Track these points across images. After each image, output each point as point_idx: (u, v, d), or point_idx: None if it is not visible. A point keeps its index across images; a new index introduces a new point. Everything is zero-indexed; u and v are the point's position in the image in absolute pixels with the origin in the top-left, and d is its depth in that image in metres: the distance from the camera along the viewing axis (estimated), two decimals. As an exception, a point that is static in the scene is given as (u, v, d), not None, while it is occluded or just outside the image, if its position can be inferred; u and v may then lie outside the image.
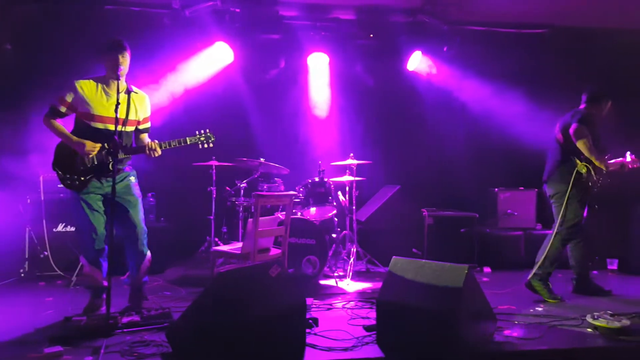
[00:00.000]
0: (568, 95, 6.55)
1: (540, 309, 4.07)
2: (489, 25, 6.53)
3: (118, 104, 3.37)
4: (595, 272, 5.72)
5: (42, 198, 5.15)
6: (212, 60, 6.36)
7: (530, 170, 5.43)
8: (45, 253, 5.08)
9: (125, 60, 3.62)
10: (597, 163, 4.35)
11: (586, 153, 4.31)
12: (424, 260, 3.30)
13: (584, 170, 4.37)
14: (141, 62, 5.51)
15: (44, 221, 5.12)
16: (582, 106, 4.66)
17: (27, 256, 5.10)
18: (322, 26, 6.36)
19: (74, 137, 3.59)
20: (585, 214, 4.55)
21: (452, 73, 6.76)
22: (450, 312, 2.87)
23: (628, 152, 4.61)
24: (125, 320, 3.37)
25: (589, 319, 3.47)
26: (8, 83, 5.62)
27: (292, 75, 6.80)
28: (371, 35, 6.42)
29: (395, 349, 3.07)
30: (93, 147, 3.57)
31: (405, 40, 6.45)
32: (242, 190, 5.63)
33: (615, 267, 5.78)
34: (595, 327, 3.41)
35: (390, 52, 6.65)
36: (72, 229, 5.18)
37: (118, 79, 3.54)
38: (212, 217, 5.78)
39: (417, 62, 6.64)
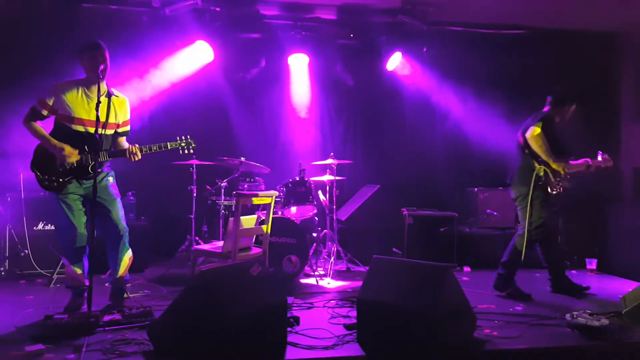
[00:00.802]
0: (545, 96, 6.73)
1: (519, 308, 4.13)
2: (468, 26, 6.62)
3: (99, 102, 3.35)
4: (574, 271, 5.85)
5: (23, 196, 5.10)
6: (192, 59, 6.32)
7: (509, 170, 5.53)
8: (26, 251, 5.04)
9: (104, 60, 3.59)
10: (554, 166, 4.39)
11: (543, 156, 4.36)
12: (404, 260, 3.35)
13: (541, 173, 4.41)
14: (120, 60, 5.49)
15: (25, 219, 5.07)
16: (545, 108, 4.68)
17: (7, 254, 5.05)
18: (302, 26, 6.37)
19: (54, 141, 3.57)
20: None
21: (431, 73, 6.82)
22: (430, 310, 2.90)
23: (599, 152, 4.71)
24: (106, 318, 3.37)
25: (568, 318, 3.51)
26: None
27: (273, 75, 6.80)
28: (352, 36, 6.47)
29: (375, 348, 3.11)
30: (71, 153, 3.56)
31: (386, 40, 6.50)
32: (222, 189, 5.63)
33: (594, 266, 5.87)
34: (574, 327, 3.45)
35: (371, 53, 6.70)
36: (52, 227, 5.13)
37: (99, 78, 3.51)
38: (192, 216, 5.76)
39: (397, 62, 6.70)
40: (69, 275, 3.79)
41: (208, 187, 5.79)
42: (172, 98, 6.26)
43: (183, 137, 3.94)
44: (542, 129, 4.33)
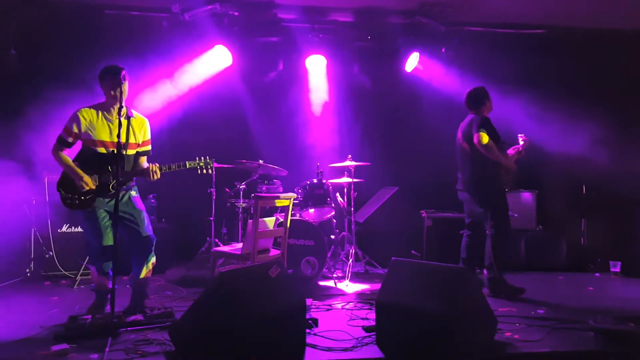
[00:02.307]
0: (567, 96, 6.65)
1: (541, 311, 4.05)
2: (487, 26, 6.55)
3: (120, 125, 3.43)
4: (597, 274, 5.76)
5: (47, 199, 5.22)
6: (211, 64, 6.40)
7: (530, 171, 5.48)
8: (50, 253, 5.16)
9: (125, 90, 3.69)
10: (506, 165, 4.58)
11: (494, 159, 4.51)
12: (423, 262, 3.34)
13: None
14: (141, 65, 5.59)
15: (49, 222, 5.19)
16: (471, 114, 4.80)
17: (32, 256, 5.18)
18: (320, 28, 6.40)
19: (76, 169, 3.69)
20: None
21: (450, 74, 6.78)
22: (450, 313, 2.88)
23: (520, 135, 4.87)
24: (129, 319, 3.43)
25: (591, 322, 3.43)
26: (12, 87, 5.70)
27: (291, 78, 6.85)
28: (369, 37, 6.48)
29: (394, 350, 3.10)
30: (87, 184, 3.66)
31: (403, 41, 6.50)
32: (241, 192, 5.68)
33: (618, 269, 5.77)
34: (598, 331, 3.36)
35: (388, 54, 6.70)
36: (77, 229, 5.26)
37: (119, 101, 3.57)
38: (212, 218, 5.82)
39: (415, 63, 6.68)
40: (94, 280, 3.88)
41: (227, 189, 5.84)
42: (191, 102, 6.35)
43: (202, 158, 3.99)
44: (488, 134, 4.48)
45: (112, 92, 3.69)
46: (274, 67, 6.68)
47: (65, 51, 5.78)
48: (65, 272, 5.12)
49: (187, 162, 3.90)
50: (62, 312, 3.85)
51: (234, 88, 6.64)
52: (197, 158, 3.95)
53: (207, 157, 3.98)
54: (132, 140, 3.85)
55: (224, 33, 6.12)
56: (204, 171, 3.98)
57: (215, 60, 6.37)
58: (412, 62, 6.67)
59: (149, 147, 4.07)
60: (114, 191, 3.71)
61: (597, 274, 5.76)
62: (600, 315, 3.50)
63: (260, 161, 5.43)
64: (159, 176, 3.84)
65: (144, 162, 4.06)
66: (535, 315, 3.94)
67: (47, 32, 5.83)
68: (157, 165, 3.83)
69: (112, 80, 3.67)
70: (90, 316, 3.43)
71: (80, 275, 4.94)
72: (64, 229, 5.26)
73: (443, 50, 6.56)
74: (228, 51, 6.28)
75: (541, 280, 4.96)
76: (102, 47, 5.74)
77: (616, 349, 3.21)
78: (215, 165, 5.65)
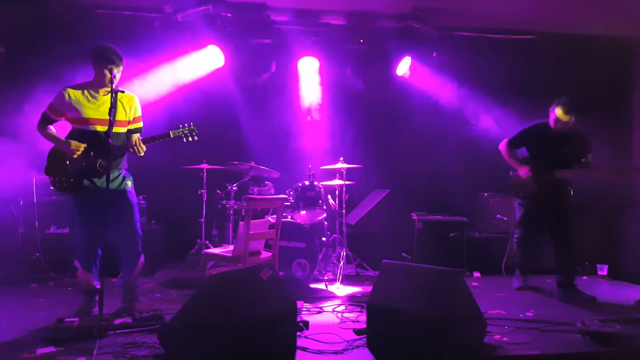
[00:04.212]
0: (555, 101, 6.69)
1: (530, 314, 4.09)
2: (479, 31, 6.61)
3: (115, 98, 3.44)
4: (585, 277, 5.80)
5: (35, 200, 5.16)
6: (203, 64, 6.38)
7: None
8: (38, 255, 5.10)
9: (119, 72, 3.69)
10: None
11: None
12: (414, 265, 3.35)
13: None
14: (132, 65, 5.55)
15: (37, 223, 5.13)
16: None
17: (19, 257, 5.10)
18: (312, 31, 6.41)
19: (62, 139, 3.70)
20: None
21: (441, 78, 6.82)
22: (440, 316, 2.90)
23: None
24: (117, 322, 3.39)
25: (579, 324, 3.49)
26: (0, 86, 5.63)
27: (283, 80, 6.84)
28: (361, 41, 6.49)
29: (385, 353, 3.11)
30: (77, 147, 3.65)
31: (395, 45, 6.52)
32: (232, 194, 5.66)
33: (605, 272, 5.82)
34: (585, 333, 3.42)
35: (380, 57, 6.71)
36: (64, 231, 5.21)
37: (111, 88, 3.55)
38: (202, 220, 5.80)
39: (407, 67, 6.71)
40: (81, 279, 3.83)
41: (218, 191, 5.82)
42: (183, 102, 6.31)
43: (185, 125, 3.94)
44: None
45: (106, 76, 3.64)
46: (266, 69, 6.66)
47: (55, 50, 5.73)
48: (53, 274, 5.05)
49: (170, 132, 3.87)
50: (49, 314, 3.79)
51: (226, 89, 6.62)
52: (181, 125, 3.91)
53: (192, 124, 3.95)
54: (121, 117, 3.80)
55: (216, 34, 6.11)
56: (189, 138, 3.94)
57: (207, 61, 6.35)
58: (403, 66, 6.69)
59: (140, 124, 4.03)
60: (101, 170, 3.68)
61: (585, 277, 5.80)
62: (587, 317, 3.55)
63: (252, 163, 5.43)
64: (144, 149, 3.80)
65: (137, 139, 3.98)
66: (524, 318, 3.96)
67: (36, 30, 5.78)
68: (140, 137, 3.80)
69: (108, 64, 3.61)
70: (77, 318, 3.39)
71: (68, 277, 4.88)
72: (52, 230, 5.21)
73: (434, 54, 6.59)
74: (220, 52, 6.27)
75: (530, 282, 4.98)
76: (93, 45, 5.69)
77: (603, 351, 3.25)
78: (206, 166, 5.65)
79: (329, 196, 5.81)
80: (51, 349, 2.98)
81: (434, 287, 3.07)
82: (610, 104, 6.77)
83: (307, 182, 5.37)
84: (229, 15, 6.02)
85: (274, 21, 6.20)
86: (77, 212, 3.73)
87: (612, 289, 5.28)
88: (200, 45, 6.20)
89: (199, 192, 5.80)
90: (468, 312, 3.19)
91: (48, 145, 3.79)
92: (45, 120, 3.75)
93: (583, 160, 4.66)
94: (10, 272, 5.04)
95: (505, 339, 3.41)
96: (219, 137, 6.41)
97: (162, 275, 5.44)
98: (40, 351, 2.95)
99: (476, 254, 5.86)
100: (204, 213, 5.80)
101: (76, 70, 4.86)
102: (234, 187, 5.66)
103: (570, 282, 4.67)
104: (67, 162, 3.70)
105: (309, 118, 6.97)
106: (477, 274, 5.74)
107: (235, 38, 6.20)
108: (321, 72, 6.84)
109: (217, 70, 6.48)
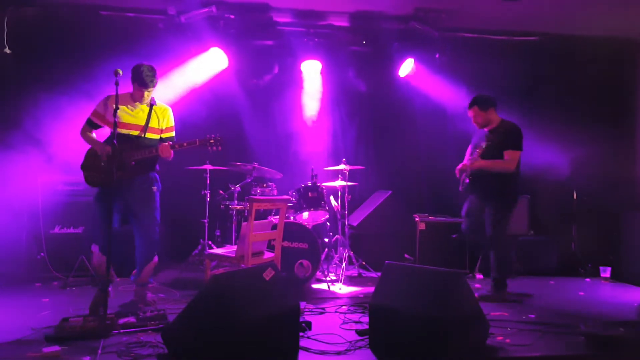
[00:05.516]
0: (558, 103, 6.71)
1: (532, 316, 4.08)
2: (481, 33, 6.60)
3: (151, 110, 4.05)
4: (588, 279, 5.80)
5: (40, 200, 5.19)
6: (206, 66, 6.40)
7: (522, 177, 5.52)
8: (42, 254, 5.13)
9: (151, 92, 4.07)
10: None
11: None
12: (416, 266, 3.36)
13: None
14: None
15: (41, 223, 5.17)
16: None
17: (24, 257, 5.14)
18: (315, 32, 6.42)
19: (98, 142, 4.04)
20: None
21: (444, 80, 6.82)
22: (442, 317, 2.90)
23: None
24: (121, 321, 3.42)
25: (582, 327, 3.48)
26: (7, 87, 5.66)
27: (286, 81, 6.86)
28: (364, 42, 6.51)
29: (387, 353, 3.12)
30: (108, 152, 3.90)
31: (398, 47, 6.52)
32: (235, 194, 5.68)
33: (608, 274, 5.81)
34: (588, 335, 3.41)
35: (383, 59, 6.72)
36: (69, 230, 5.27)
37: (143, 99, 4.06)
38: (205, 221, 5.82)
39: (409, 68, 6.72)
40: (95, 264, 4.00)
41: (221, 191, 5.84)
42: (186, 104, 6.32)
43: (212, 135, 4.17)
44: None
45: (140, 91, 4.00)
46: (269, 70, 6.70)
47: (60, 52, 5.76)
48: (57, 274, 5.08)
49: (197, 140, 4.13)
50: (53, 313, 3.83)
51: (229, 90, 6.63)
52: (207, 135, 4.17)
53: (218, 135, 4.19)
54: (154, 124, 4.13)
55: (219, 36, 6.12)
56: (215, 148, 4.18)
57: (210, 63, 6.37)
58: (406, 67, 6.70)
59: (172, 134, 4.32)
60: (128, 171, 3.97)
61: (588, 279, 5.80)
62: (590, 320, 3.55)
63: (255, 164, 5.45)
64: (170, 152, 4.05)
65: None
66: (527, 320, 3.96)
67: (41, 32, 5.81)
68: (169, 143, 4.09)
69: (143, 86, 3.96)
70: (82, 318, 3.42)
71: (72, 277, 4.92)
72: (56, 230, 5.24)
73: (437, 55, 6.59)
74: (224, 53, 6.29)
75: (532, 284, 5.00)
76: (97, 48, 5.73)
77: (606, 353, 3.24)
78: (210, 167, 5.67)
79: (332, 197, 5.83)
80: (56, 348, 3.00)
81: (437, 289, 3.07)
82: (613, 106, 6.76)
83: (309, 183, 5.39)
84: (232, 17, 6.04)
85: (277, 22, 6.21)
86: (102, 204, 3.91)
87: (615, 291, 5.28)
88: (203, 47, 6.21)
89: (202, 193, 5.82)
90: (470, 313, 3.19)
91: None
92: (89, 125, 4.07)
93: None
94: (14, 271, 5.10)
95: (507, 340, 3.41)
96: (222, 138, 6.41)
97: (165, 275, 5.46)
98: (46, 350, 2.97)
99: (479, 255, 5.85)
100: (207, 214, 5.82)
101: (81, 72, 4.89)
102: (237, 187, 5.68)
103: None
104: (102, 163, 3.96)
105: (311, 119, 6.99)
106: (479, 276, 5.75)
107: (239, 40, 6.22)
108: (324, 73, 6.85)
109: (221, 72, 6.49)
